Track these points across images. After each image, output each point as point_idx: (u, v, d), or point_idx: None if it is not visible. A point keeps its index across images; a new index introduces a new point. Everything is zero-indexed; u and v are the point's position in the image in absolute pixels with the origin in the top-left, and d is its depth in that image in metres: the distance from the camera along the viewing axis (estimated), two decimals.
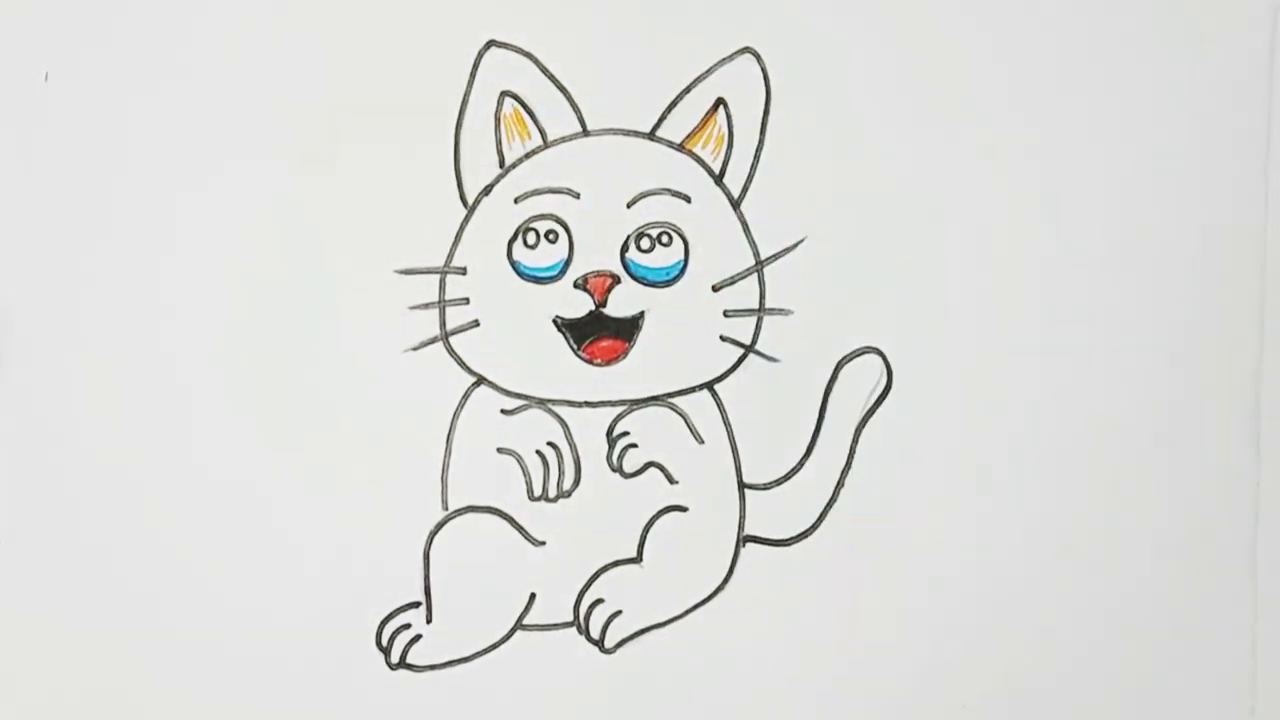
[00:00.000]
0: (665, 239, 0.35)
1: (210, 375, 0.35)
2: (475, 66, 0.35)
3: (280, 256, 0.35)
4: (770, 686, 0.36)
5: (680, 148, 0.36)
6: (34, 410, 0.34)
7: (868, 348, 0.36)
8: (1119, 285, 0.36)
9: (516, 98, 0.35)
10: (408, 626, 0.35)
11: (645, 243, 0.35)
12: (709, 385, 0.36)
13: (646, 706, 0.36)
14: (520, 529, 0.36)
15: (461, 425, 0.35)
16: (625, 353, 0.35)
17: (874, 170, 0.35)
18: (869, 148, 0.35)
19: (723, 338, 0.36)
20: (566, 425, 0.36)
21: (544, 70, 0.35)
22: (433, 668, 0.35)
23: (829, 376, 0.36)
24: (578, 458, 0.36)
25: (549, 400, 0.36)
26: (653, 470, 0.36)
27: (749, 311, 0.36)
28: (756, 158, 0.36)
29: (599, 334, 0.35)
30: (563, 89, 0.35)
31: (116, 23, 0.34)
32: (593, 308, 0.35)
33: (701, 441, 0.36)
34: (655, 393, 0.36)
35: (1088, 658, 0.35)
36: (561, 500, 0.36)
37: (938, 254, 0.36)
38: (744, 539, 0.36)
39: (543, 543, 0.36)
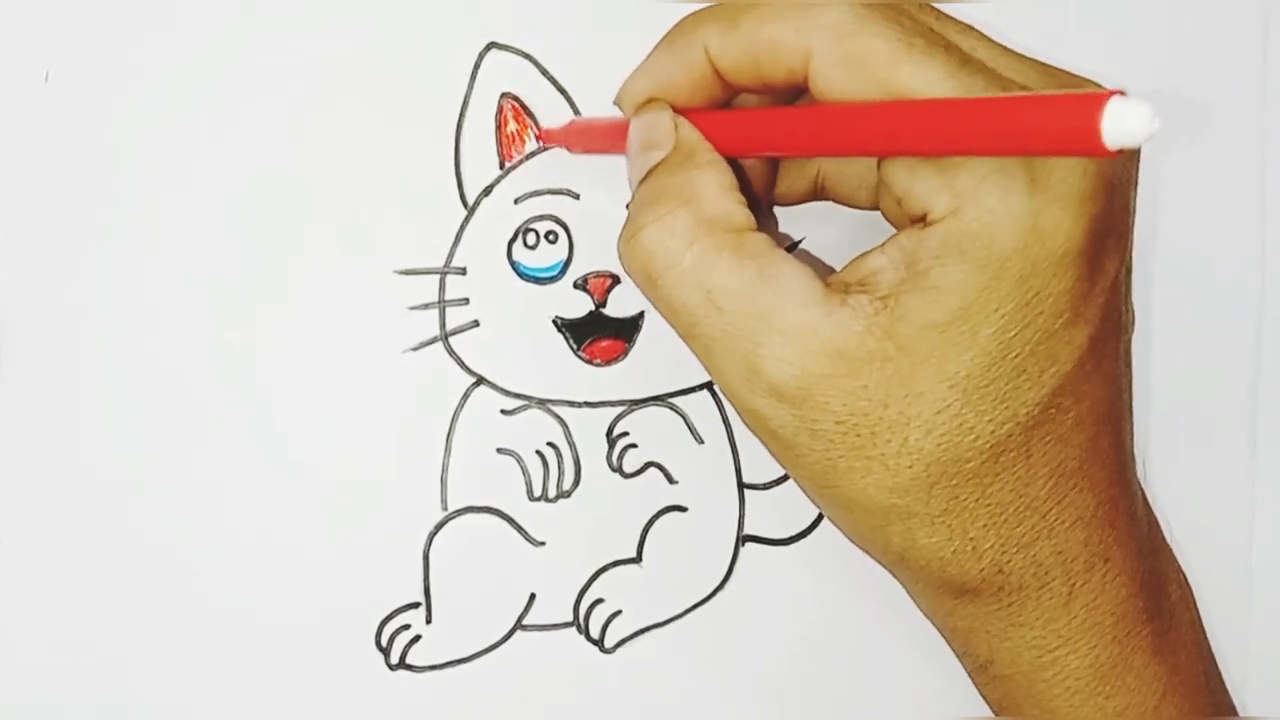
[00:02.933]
0: None
1: (210, 375, 0.35)
2: (475, 68, 0.35)
3: (280, 257, 0.35)
4: (770, 686, 0.36)
5: None
6: (34, 410, 0.34)
7: None
8: None
9: (517, 99, 0.35)
10: (407, 627, 0.35)
11: None
12: (709, 385, 0.36)
13: (646, 706, 0.36)
14: (520, 529, 0.36)
15: (461, 425, 0.35)
16: (625, 353, 0.36)
17: None
18: None
19: None
20: (566, 425, 0.36)
21: (544, 72, 0.35)
22: (432, 668, 0.35)
23: None
24: (577, 458, 0.36)
25: (549, 400, 0.36)
26: (652, 470, 0.36)
27: None
28: None
29: (599, 334, 0.36)
30: (563, 90, 0.35)
31: (116, 23, 0.34)
32: (592, 308, 0.35)
33: (701, 441, 0.36)
34: (655, 393, 0.36)
35: None
36: (561, 500, 0.36)
37: None
38: (743, 539, 0.36)
39: (542, 543, 0.36)
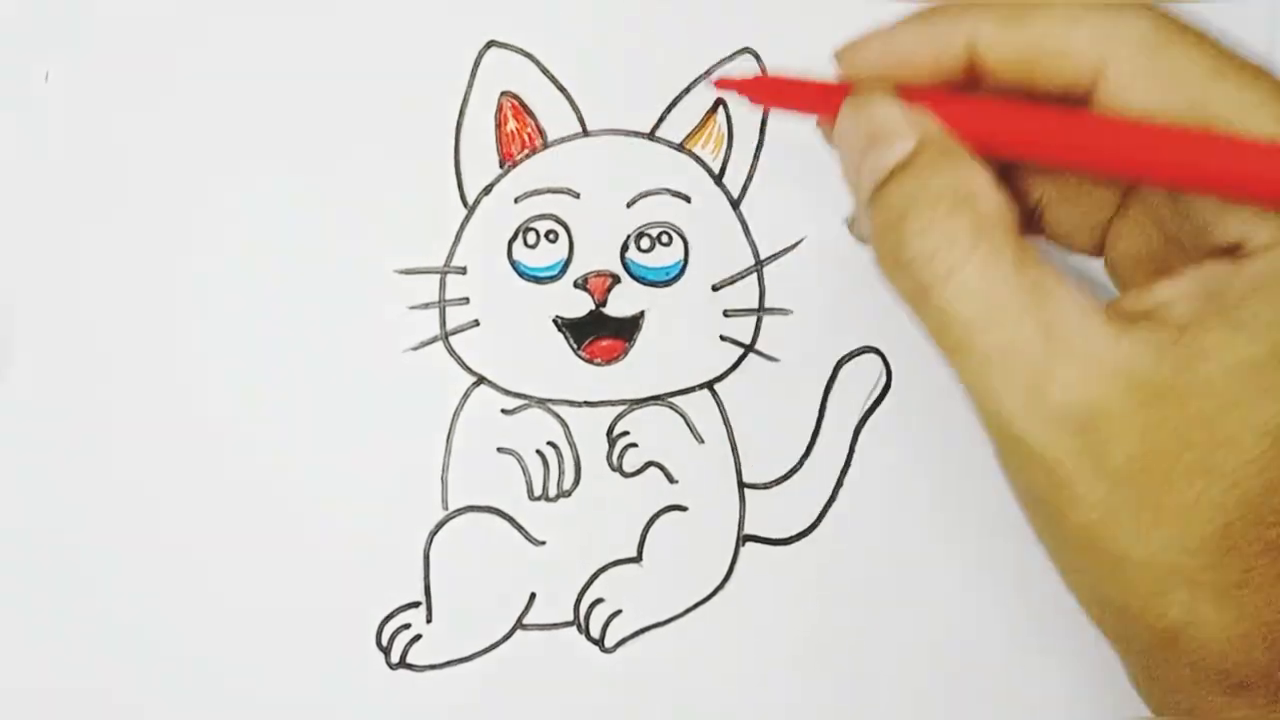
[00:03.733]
0: (665, 239, 0.36)
1: (210, 375, 0.35)
2: (475, 67, 0.35)
3: (280, 256, 0.35)
4: (771, 686, 0.36)
5: (680, 148, 0.36)
6: (34, 410, 0.34)
7: (867, 347, 0.36)
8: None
9: (517, 97, 0.35)
10: (408, 626, 0.35)
11: (645, 242, 0.35)
12: (709, 385, 0.36)
13: (646, 706, 0.36)
14: (520, 528, 0.36)
15: (461, 425, 0.35)
16: (625, 352, 0.36)
17: None
18: None
19: (723, 337, 0.36)
20: (567, 425, 0.36)
21: (544, 70, 0.35)
22: (433, 667, 0.35)
23: (828, 376, 0.36)
24: (578, 457, 0.36)
25: (549, 400, 0.36)
26: (653, 470, 0.36)
27: (749, 311, 0.36)
28: (756, 158, 0.36)
29: (599, 333, 0.35)
30: (563, 89, 0.35)
31: (117, 23, 0.34)
32: (593, 307, 0.35)
33: (701, 441, 0.36)
34: (655, 392, 0.36)
35: (1086, 655, 0.35)
36: (561, 500, 0.36)
37: None
38: (744, 538, 0.36)
39: (543, 542, 0.36)
